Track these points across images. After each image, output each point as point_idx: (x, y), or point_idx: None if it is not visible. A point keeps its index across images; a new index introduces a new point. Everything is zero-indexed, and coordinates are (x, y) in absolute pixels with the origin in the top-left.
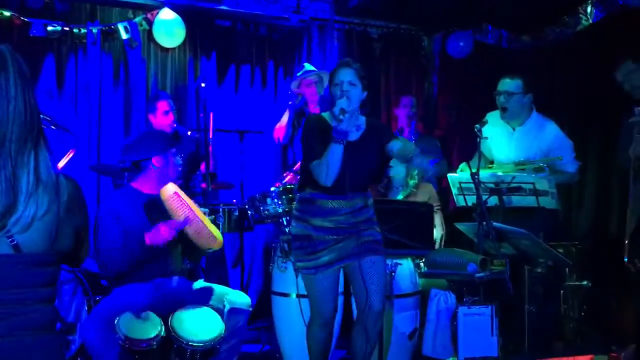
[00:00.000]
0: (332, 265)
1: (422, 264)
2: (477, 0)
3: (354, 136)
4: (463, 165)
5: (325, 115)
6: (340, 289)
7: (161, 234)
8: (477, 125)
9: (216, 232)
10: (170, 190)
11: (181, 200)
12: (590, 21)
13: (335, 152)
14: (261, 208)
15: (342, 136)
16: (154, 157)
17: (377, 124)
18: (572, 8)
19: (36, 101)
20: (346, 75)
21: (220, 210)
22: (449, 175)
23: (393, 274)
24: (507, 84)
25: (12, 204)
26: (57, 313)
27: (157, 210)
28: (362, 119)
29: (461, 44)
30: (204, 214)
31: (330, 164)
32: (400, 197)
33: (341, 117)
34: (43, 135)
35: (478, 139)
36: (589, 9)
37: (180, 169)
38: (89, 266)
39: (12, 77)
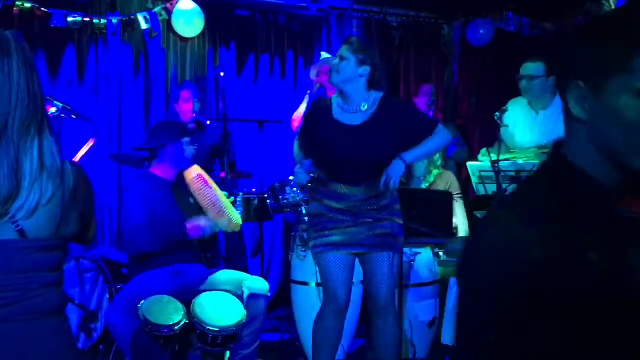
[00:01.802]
0: (343, 248)
1: (441, 253)
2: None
3: (359, 119)
4: (483, 151)
5: (333, 98)
6: (360, 277)
7: (200, 227)
8: (497, 113)
9: (235, 216)
10: (194, 172)
11: (205, 182)
12: (613, 7)
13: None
14: (280, 197)
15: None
16: (168, 145)
17: (392, 103)
18: None
19: (41, 87)
20: (342, 50)
21: (240, 199)
22: (469, 163)
23: (412, 262)
24: (530, 68)
25: (16, 190)
26: (65, 297)
27: (183, 194)
28: (373, 99)
29: (481, 31)
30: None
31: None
32: (423, 186)
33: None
34: (47, 121)
35: (498, 127)
36: None
37: (192, 157)
38: (110, 254)
39: (15, 62)
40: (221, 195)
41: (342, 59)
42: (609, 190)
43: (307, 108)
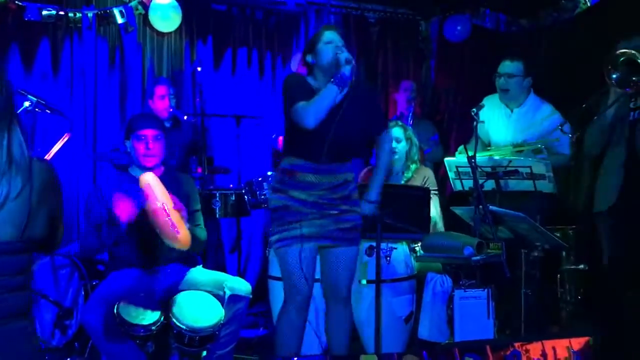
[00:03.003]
0: (309, 240)
1: (417, 248)
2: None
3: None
4: (460, 148)
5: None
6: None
7: (122, 211)
8: (473, 109)
9: (182, 232)
10: (143, 180)
11: (151, 192)
12: (589, 4)
13: (330, 93)
14: (258, 192)
15: (342, 81)
16: (126, 141)
17: (362, 87)
18: None
19: (9, 82)
20: (335, 36)
21: (217, 195)
22: (446, 159)
23: (388, 258)
24: (508, 66)
25: None
26: (31, 300)
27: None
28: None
29: (459, 27)
30: (181, 212)
31: (321, 104)
32: (401, 182)
33: (347, 65)
34: (16, 116)
35: (474, 123)
36: None
37: (146, 153)
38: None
39: None
40: (170, 207)
41: (343, 45)
42: None
43: (284, 83)
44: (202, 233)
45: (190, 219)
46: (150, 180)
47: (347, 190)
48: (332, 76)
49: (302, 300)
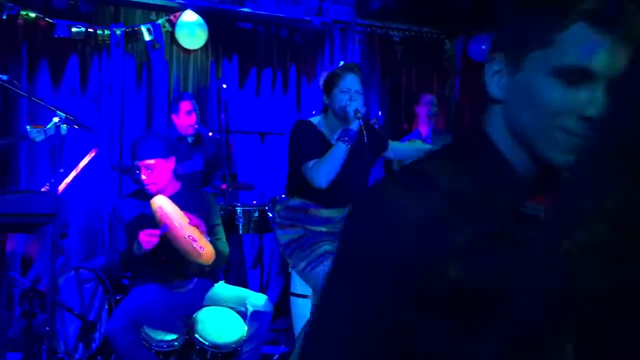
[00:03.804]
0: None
1: None
2: (499, 2)
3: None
4: None
5: (314, 120)
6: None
7: (144, 241)
8: None
9: (205, 247)
10: (155, 203)
11: (165, 215)
12: None
13: (339, 152)
14: None
15: (351, 138)
16: (137, 163)
17: (371, 131)
18: None
19: None
20: (354, 83)
21: (240, 211)
22: None
23: None
24: None
25: None
26: None
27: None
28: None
29: (483, 47)
30: (199, 228)
31: (331, 164)
32: None
33: (356, 118)
34: None
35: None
36: None
37: (145, 182)
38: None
39: None
40: (187, 225)
41: (359, 93)
42: (522, 180)
43: (291, 131)
44: (224, 247)
45: (211, 233)
46: (161, 204)
47: None
48: (341, 124)
49: None
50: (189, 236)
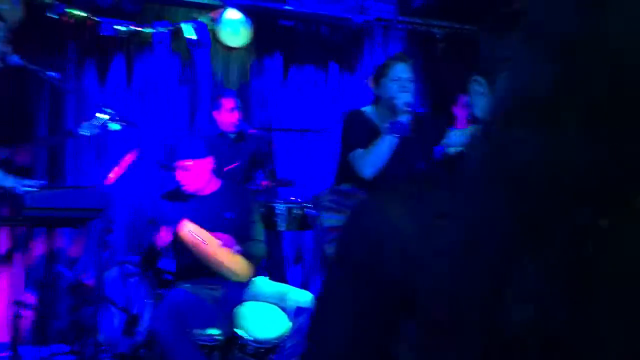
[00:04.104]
0: None
1: None
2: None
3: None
4: None
5: (366, 109)
6: None
7: (160, 237)
8: None
9: (239, 267)
10: (182, 233)
11: (196, 241)
12: None
13: (386, 144)
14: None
15: (399, 131)
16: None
17: (420, 121)
18: None
19: None
20: (404, 71)
21: (280, 208)
22: None
23: None
24: None
25: None
26: None
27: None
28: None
29: None
30: (232, 249)
31: (377, 155)
32: None
33: (405, 111)
34: None
35: None
36: None
37: (182, 184)
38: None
39: None
40: (214, 247)
41: (410, 80)
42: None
43: (343, 119)
44: (258, 249)
45: (246, 229)
46: (189, 230)
47: None
48: (392, 114)
49: None
50: (220, 260)
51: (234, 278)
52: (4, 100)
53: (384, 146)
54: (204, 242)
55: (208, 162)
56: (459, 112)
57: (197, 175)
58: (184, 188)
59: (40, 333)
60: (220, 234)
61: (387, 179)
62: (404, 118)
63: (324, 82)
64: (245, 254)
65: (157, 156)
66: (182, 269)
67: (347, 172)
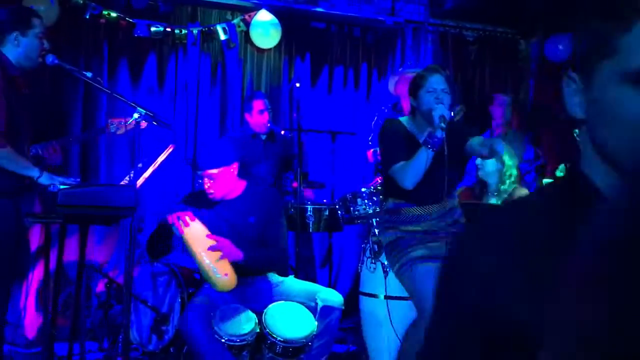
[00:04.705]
0: (428, 260)
1: None
2: (578, 1)
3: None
4: (562, 167)
5: (403, 120)
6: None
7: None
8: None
9: (220, 279)
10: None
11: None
12: None
13: (423, 157)
14: (351, 208)
15: (436, 144)
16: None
17: (456, 127)
18: None
19: None
20: (439, 82)
21: (310, 209)
22: (544, 180)
23: None
24: None
25: None
26: None
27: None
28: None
29: (560, 47)
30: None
31: (416, 169)
32: (494, 201)
33: (442, 125)
34: None
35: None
36: None
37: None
38: (181, 261)
39: None
40: (202, 247)
41: (445, 92)
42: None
43: (380, 131)
44: (278, 253)
45: (269, 229)
46: (191, 229)
47: (455, 215)
48: (429, 125)
49: (424, 319)
50: (208, 262)
51: (212, 284)
52: (40, 98)
53: (422, 159)
54: (185, 224)
55: (233, 168)
56: (495, 111)
57: (223, 181)
58: (210, 196)
59: (70, 330)
60: (222, 239)
61: (426, 187)
62: (439, 133)
63: (354, 84)
64: (264, 258)
65: (187, 156)
66: None
67: (390, 184)
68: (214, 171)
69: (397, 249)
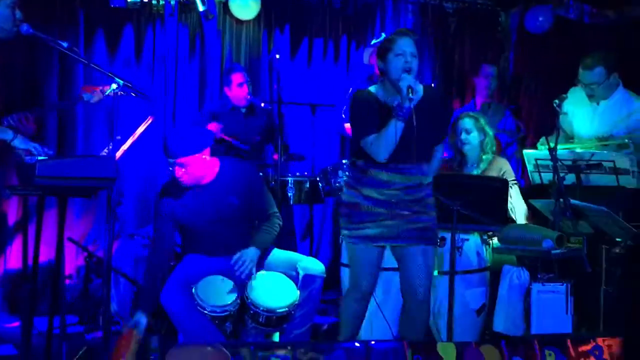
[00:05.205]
0: (376, 241)
1: (494, 240)
2: None
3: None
4: (542, 139)
5: (372, 88)
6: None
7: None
8: (555, 101)
9: None
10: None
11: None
12: None
13: (392, 128)
14: (332, 180)
15: (406, 114)
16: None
17: (433, 93)
18: None
19: None
20: (408, 45)
21: (291, 182)
22: (525, 151)
23: (460, 249)
24: (588, 77)
25: None
26: None
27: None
28: (419, 88)
29: (540, 18)
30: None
31: (388, 140)
32: (475, 172)
33: (410, 95)
34: None
35: (557, 115)
36: None
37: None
38: None
39: None
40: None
41: (413, 55)
42: None
43: (350, 101)
44: (275, 223)
45: (258, 210)
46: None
47: (421, 193)
48: (398, 90)
49: (361, 296)
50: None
51: None
52: (14, 68)
53: (393, 130)
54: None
55: (205, 154)
56: (480, 82)
57: (194, 168)
58: (181, 181)
59: (50, 303)
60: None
61: (398, 153)
62: (407, 103)
63: (334, 56)
64: (267, 234)
65: (166, 129)
66: (190, 241)
67: (360, 148)
68: (184, 159)
69: (349, 218)
